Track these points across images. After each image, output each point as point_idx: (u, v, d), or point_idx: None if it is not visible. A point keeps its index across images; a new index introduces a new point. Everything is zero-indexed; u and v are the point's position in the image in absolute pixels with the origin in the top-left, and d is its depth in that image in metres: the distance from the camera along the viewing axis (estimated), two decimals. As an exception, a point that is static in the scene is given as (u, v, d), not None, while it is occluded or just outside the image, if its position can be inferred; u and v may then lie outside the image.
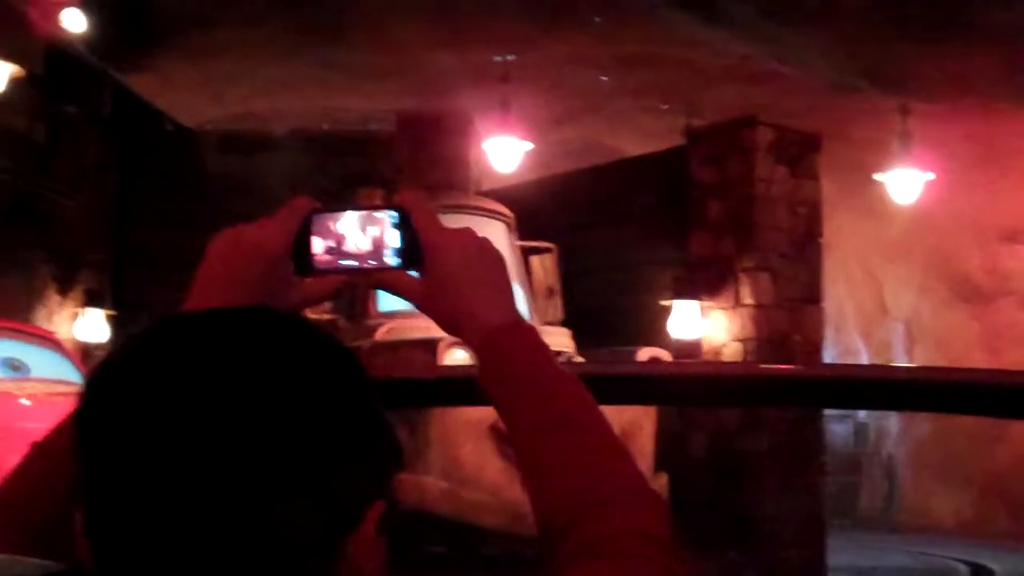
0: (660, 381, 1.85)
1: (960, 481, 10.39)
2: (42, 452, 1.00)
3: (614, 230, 9.18)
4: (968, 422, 9.15)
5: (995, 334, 10.30)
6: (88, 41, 8.29)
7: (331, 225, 1.01)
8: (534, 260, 8.27)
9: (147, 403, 0.77)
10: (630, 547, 0.86)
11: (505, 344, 0.97)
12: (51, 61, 8.44)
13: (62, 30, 7.98)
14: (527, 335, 0.98)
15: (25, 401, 5.88)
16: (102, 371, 0.81)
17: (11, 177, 8.32)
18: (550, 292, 8.26)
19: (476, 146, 9.01)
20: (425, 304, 1.00)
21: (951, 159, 8.66)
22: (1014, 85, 7.64)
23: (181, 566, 0.75)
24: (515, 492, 6.40)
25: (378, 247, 1.01)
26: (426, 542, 7.06)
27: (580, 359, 6.84)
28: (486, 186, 9.45)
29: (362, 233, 1.01)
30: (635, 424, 6.74)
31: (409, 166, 9.53)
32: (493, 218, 7.80)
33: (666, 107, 9.01)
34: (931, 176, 8.50)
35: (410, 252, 1.00)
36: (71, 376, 6.80)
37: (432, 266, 0.99)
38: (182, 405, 0.76)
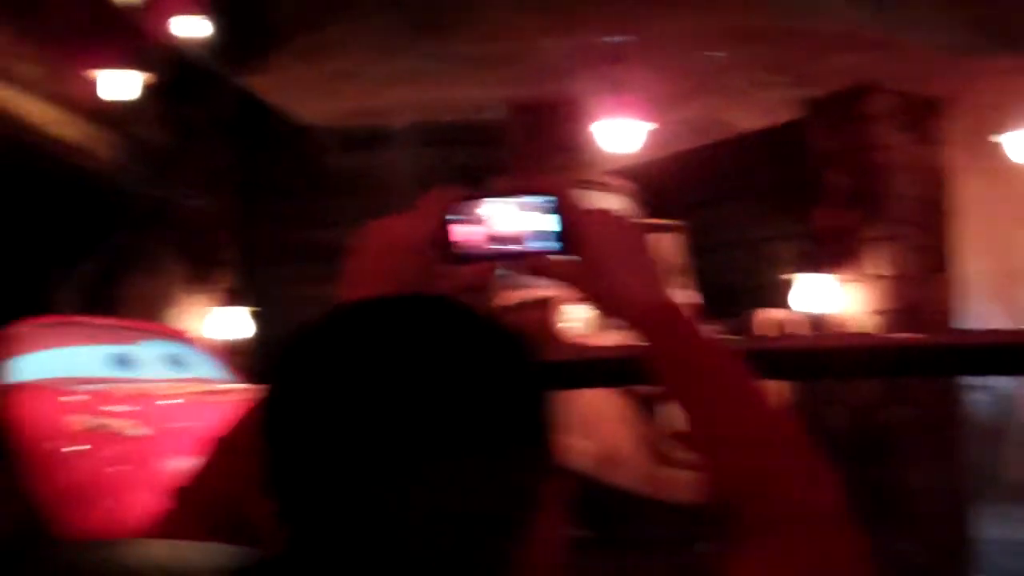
0: (800, 355, 1.84)
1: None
2: (223, 446, 1.03)
3: (737, 206, 9.10)
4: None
5: None
6: (209, 46, 8.50)
7: (478, 213, 1.01)
8: (663, 238, 8.24)
9: (333, 385, 0.79)
10: (809, 522, 0.88)
11: (666, 321, 0.98)
12: (174, 67, 8.68)
13: (184, 37, 8.20)
14: (683, 312, 1.00)
15: (179, 400, 6.04)
16: (284, 359, 0.83)
17: (143, 183, 8.58)
18: (679, 270, 8.22)
19: (592, 129, 9.00)
20: (580, 286, 1.01)
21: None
22: None
23: (371, 546, 0.77)
24: (649, 455, 6.40)
25: (528, 233, 1.01)
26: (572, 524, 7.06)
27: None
28: (604, 169, 9.45)
29: (511, 220, 1.01)
30: (770, 392, 6.65)
31: (526, 152, 9.57)
32: (616, 194, 7.78)
33: (780, 79, 8.89)
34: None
35: (562, 236, 1.00)
36: (220, 375, 6.99)
37: (584, 249, 1.00)
38: (365, 388, 0.78)
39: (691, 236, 8.28)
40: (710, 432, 0.94)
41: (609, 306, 1.01)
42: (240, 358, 9.19)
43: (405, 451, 0.77)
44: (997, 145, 8.56)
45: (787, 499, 0.89)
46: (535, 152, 9.42)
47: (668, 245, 8.22)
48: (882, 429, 7.96)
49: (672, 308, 1.00)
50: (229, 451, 1.02)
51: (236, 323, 9.70)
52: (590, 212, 1.02)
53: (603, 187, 7.67)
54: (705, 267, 8.49)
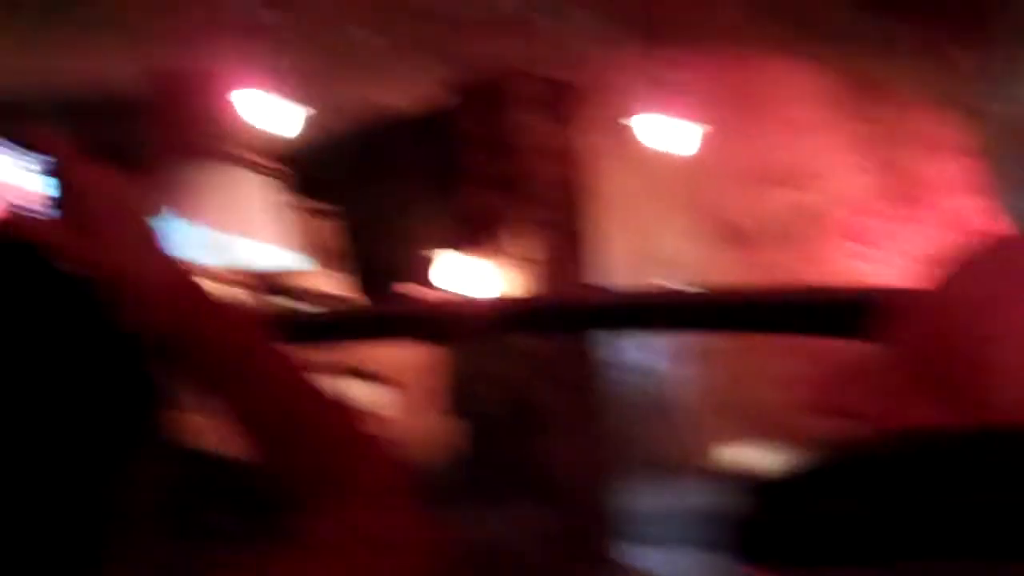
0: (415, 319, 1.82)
1: (756, 422, 10.72)
2: None
3: (389, 188, 9.14)
4: (762, 366, 9.53)
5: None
6: None
7: None
8: (314, 219, 8.17)
9: None
10: (364, 496, 0.86)
11: (179, 297, 0.90)
12: None
13: None
14: (198, 288, 0.92)
15: None
16: None
17: None
18: (331, 250, 8.18)
19: (237, 104, 8.74)
20: (72, 252, 0.89)
21: (708, 106, 8.93)
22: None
23: None
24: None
25: (14, 189, 0.95)
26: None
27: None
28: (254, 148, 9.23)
29: None
30: (418, 364, 6.72)
31: (166, 126, 9.18)
32: (260, 172, 7.63)
33: (428, 62, 8.98)
34: (689, 123, 8.73)
35: (52, 196, 0.93)
36: None
37: (79, 213, 0.91)
38: None
39: (346, 217, 8.25)
40: (245, 411, 0.89)
41: (112, 278, 0.88)
42: None
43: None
44: (632, 129, 8.95)
45: (335, 474, 0.86)
46: (176, 126, 9.06)
47: (320, 227, 8.17)
48: (532, 407, 8.20)
49: (185, 285, 0.91)
50: None
51: None
52: (91, 174, 0.93)
53: (254, 167, 7.52)
54: (360, 248, 8.49)
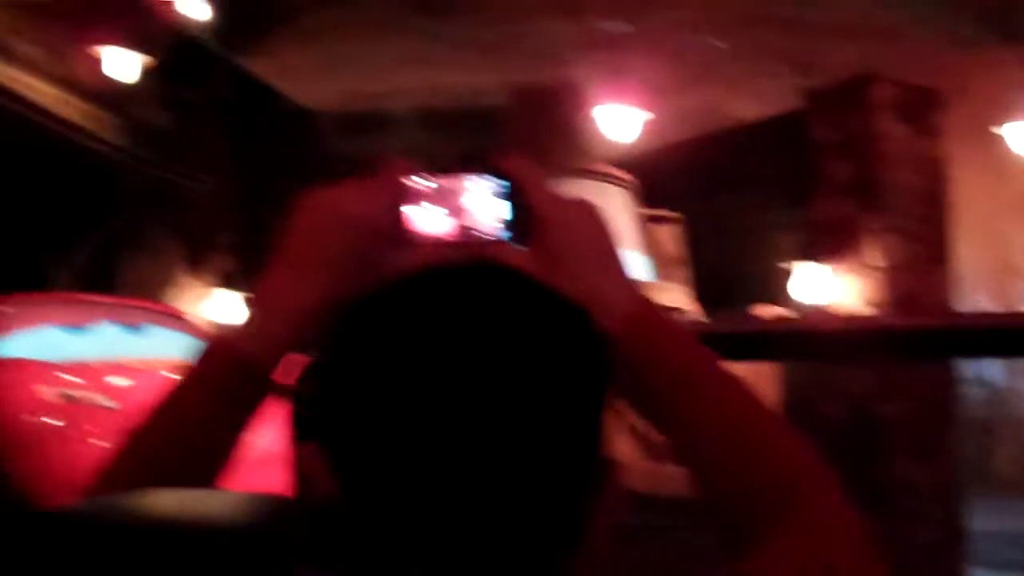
0: (784, 337, 1.84)
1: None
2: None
3: (737, 196, 9.11)
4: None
5: None
6: (209, 27, 8.49)
7: (431, 192, 0.92)
8: (660, 229, 8.21)
9: (400, 355, 0.76)
10: (819, 510, 0.86)
11: (646, 326, 0.90)
12: (175, 48, 8.66)
13: (185, 17, 8.19)
14: (663, 314, 0.92)
15: (156, 373, 5.98)
16: (348, 323, 0.81)
17: (143, 165, 8.58)
18: (676, 262, 8.20)
19: (591, 117, 8.97)
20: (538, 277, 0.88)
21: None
22: None
23: (434, 517, 0.74)
24: (641, 450, 6.36)
25: (484, 217, 0.92)
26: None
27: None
28: (603, 157, 9.44)
29: (466, 201, 0.92)
30: (759, 376, 6.65)
31: (525, 138, 9.53)
32: (616, 184, 7.76)
33: (781, 69, 8.88)
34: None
35: (519, 224, 0.91)
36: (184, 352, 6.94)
37: (546, 240, 0.90)
38: (430, 364, 0.75)
39: (689, 227, 8.26)
40: (706, 438, 0.88)
41: (581, 302, 0.86)
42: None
43: (468, 433, 0.74)
44: (995, 137, 8.55)
45: (789, 502, 0.85)
46: (535, 139, 9.39)
47: (666, 236, 8.20)
48: (877, 421, 7.97)
49: (651, 311, 0.91)
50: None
51: (232, 306, 9.71)
52: (558, 200, 0.91)
53: (606, 178, 7.64)
54: (703, 258, 8.49)
